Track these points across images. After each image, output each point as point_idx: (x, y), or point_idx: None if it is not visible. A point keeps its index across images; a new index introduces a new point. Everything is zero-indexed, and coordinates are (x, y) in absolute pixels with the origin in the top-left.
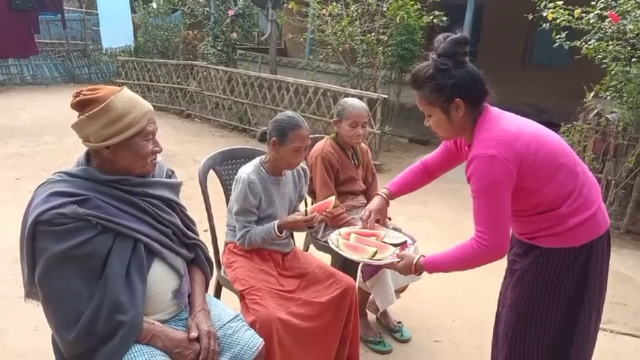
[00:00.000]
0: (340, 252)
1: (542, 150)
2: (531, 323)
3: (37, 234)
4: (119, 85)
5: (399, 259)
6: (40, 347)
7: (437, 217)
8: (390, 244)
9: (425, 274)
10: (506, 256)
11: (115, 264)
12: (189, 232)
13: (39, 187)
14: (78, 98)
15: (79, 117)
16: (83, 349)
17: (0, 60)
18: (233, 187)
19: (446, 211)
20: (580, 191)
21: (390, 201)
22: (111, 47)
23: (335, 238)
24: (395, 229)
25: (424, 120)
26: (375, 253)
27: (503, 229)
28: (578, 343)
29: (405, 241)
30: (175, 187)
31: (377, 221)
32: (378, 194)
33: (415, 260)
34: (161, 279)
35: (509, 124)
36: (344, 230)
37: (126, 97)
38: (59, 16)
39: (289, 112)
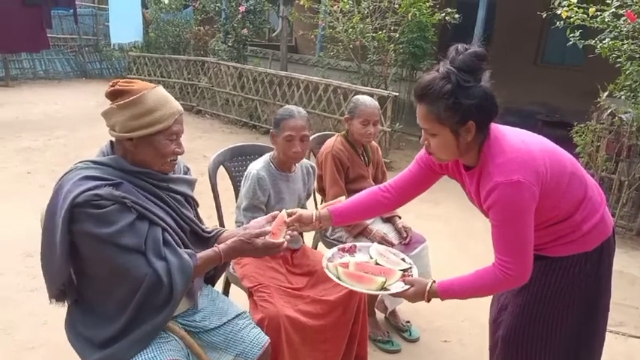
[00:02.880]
0: (342, 283)
1: (555, 164)
2: (540, 330)
3: (76, 216)
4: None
5: (408, 286)
6: (50, 340)
7: (447, 215)
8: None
9: (434, 274)
10: None
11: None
12: (205, 228)
13: (65, 174)
14: (113, 88)
15: (110, 105)
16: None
17: (12, 54)
18: (242, 182)
19: (456, 209)
20: (589, 195)
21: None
22: (119, 42)
23: (333, 267)
24: (404, 227)
25: (420, 138)
26: (384, 282)
27: (529, 256)
28: (598, 346)
29: (410, 268)
30: (192, 184)
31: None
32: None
33: (428, 287)
34: None
35: (515, 141)
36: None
37: (157, 95)
38: (71, 11)
39: (289, 105)
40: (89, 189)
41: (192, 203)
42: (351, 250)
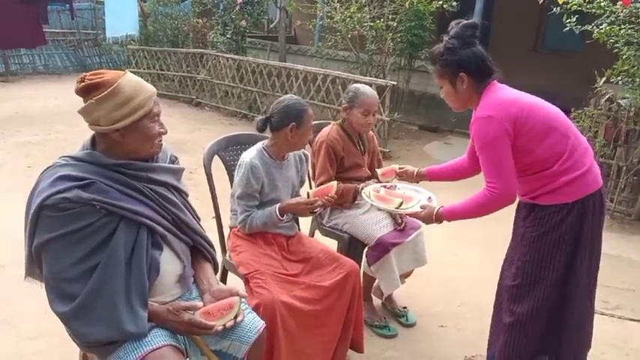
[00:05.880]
0: (371, 201)
1: (535, 114)
2: (530, 274)
3: (41, 218)
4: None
5: (422, 209)
6: (50, 330)
7: (446, 203)
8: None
9: (430, 260)
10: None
11: (119, 248)
12: (189, 221)
13: (45, 170)
14: (83, 83)
15: (85, 102)
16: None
17: (12, 50)
18: (236, 171)
19: (457, 197)
20: (570, 154)
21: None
22: (114, 36)
23: (367, 191)
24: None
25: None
26: (401, 203)
27: (509, 177)
28: (575, 300)
29: (429, 197)
30: (177, 173)
31: (388, 174)
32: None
33: (435, 210)
34: (166, 262)
35: (508, 94)
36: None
37: (132, 81)
38: (68, 6)
39: (293, 96)
40: (59, 192)
41: (177, 193)
42: (391, 188)
